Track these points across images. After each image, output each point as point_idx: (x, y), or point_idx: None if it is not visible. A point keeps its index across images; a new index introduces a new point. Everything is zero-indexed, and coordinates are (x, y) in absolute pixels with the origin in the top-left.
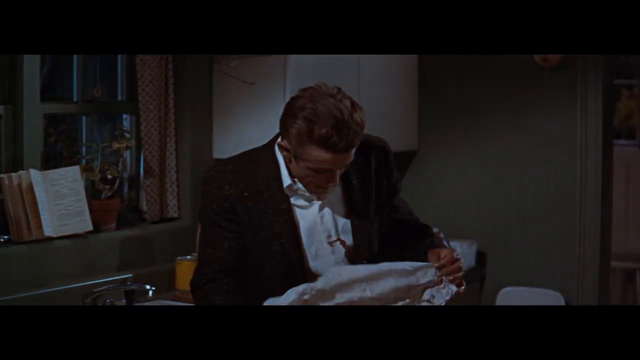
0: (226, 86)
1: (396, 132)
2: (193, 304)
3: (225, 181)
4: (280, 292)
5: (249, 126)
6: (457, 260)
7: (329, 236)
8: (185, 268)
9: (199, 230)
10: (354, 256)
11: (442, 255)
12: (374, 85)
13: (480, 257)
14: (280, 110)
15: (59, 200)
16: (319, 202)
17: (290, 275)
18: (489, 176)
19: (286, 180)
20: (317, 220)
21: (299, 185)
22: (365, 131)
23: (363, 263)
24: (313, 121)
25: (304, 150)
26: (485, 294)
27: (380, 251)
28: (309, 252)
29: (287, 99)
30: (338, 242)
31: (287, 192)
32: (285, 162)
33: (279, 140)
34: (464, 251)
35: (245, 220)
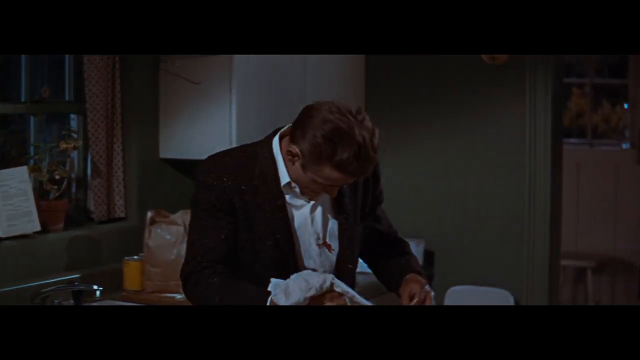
0: (172, 86)
1: None
2: (142, 304)
3: (224, 173)
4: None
5: (195, 126)
6: (427, 299)
7: (318, 238)
8: (133, 268)
9: (192, 217)
10: (339, 260)
11: (414, 294)
12: (320, 85)
13: (428, 256)
14: (226, 110)
15: (7, 201)
16: (312, 203)
17: (282, 271)
18: (436, 174)
19: (284, 178)
20: (307, 221)
21: (296, 185)
22: None
23: (348, 267)
24: (335, 143)
25: (318, 167)
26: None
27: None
28: (300, 250)
29: (234, 99)
30: (324, 246)
31: (283, 189)
32: (285, 162)
33: (289, 145)
34: (413, 250)
35: (241, 214)
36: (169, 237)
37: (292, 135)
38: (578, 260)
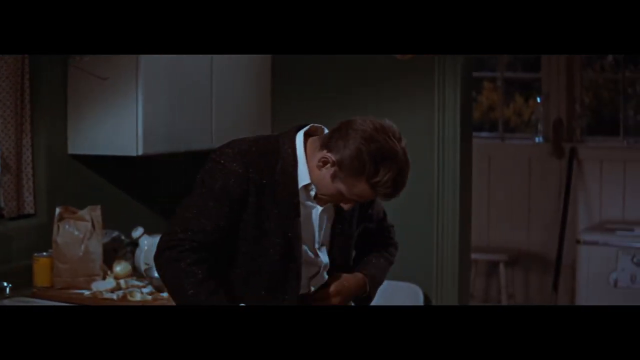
0: (81, 81)
1: (249, 130)
2: (58, 303)
3: (249, 162)
4: (271, 286)
5: (103, 122)
6: (317, 297)
7: (316, 242)
8: (42, 265)
9: (194, 194)
10: (333, 266)
11: (323, 290)
12: (226, 83)
13: None
14: (133, 106)
15: None
16: (321, 209)
17: (284, 269)
18: None
19: (304, 179)
20: (312, 224)
21: (313, 187)
22: (219, 128)
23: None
24: (379, 163)
25: (353, 181)
26: None
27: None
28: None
29: (140, 95)
30: (321, 250)
31: (300, 190)
32: (309, 163)
33: (322, 151)
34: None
35: (253, 209)
36: (77, 233)
37: (329, 143)
38: (490, 254)
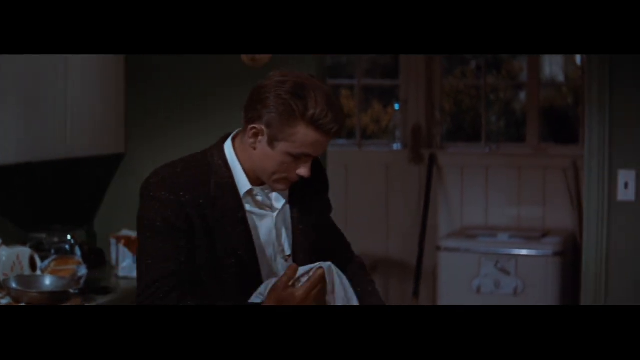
0: None
1: (102, 135)
2: None
3: (179, 186)
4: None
5: None
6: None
7: (283, 250)
8: None
9: (142, 242)
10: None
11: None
12: (81, 86)
13: None
14: None
15: None
16: (276, 213)
17: (247, 288)
18: None
19: (243, 186)
20: (272, 233)
21: (258, 191)
22: (72, 134)
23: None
24: (303, 96)
25: (291, 129)
26: None
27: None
28: (264, 266)
29: None
30: (291, 258)
31: (244, 199)
32: (244, 165)
33: (250, 126)
34: None
35: (201, 232)
36: None
37: (249, 117)
38: None
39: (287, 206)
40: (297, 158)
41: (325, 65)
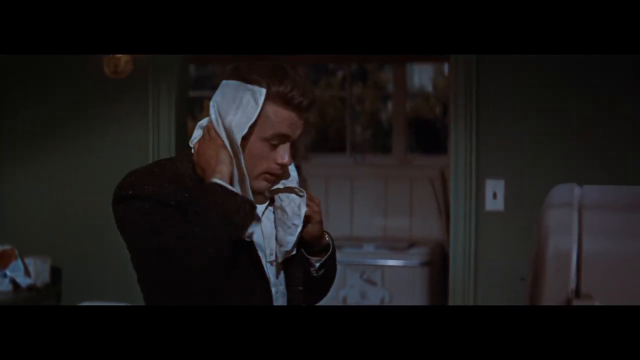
0: None
1: None
2: None
3: (160, 181)
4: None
5: None
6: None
7: (271, 254)
8: None
9: (131, 239)
10: (288, 281)
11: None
12: None
13: (55, 273)
14: None
15: None
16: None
17: (249, 294)
18: (60, 190)
19: None
20: (258, 236)
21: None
22: None
23: (298, 289)
24: (265, 76)
25: (260, 112)
26: None
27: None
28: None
29: None
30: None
31: None
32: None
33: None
34: (37, 268)
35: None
36: None
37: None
38: None
39: (270, 213)
40: (273, 146)
41: (189, 76)
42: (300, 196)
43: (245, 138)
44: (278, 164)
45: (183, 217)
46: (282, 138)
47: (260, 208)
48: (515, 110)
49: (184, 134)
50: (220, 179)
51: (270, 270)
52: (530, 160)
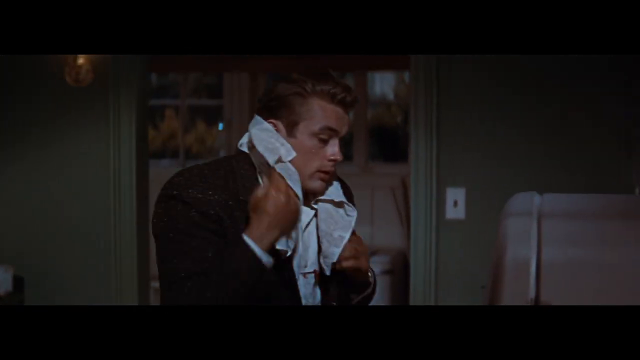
0: None
1: None
2: None
3: (207, 186)
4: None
5: None
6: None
7: (305, 266)
8: None
9: (164, 242)
10: (323, 294)
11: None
12: None
13: (18, 282)
14: None
15: None
16: (311, 211)
17: (282, 298)
18: (22, 199)
19: None
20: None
21: None
22: None
23: (331, 304)
24: (309, 77)
25: (306, 107)
26: None
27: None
28: (295, 277)
29: None
30: (313, 275)
31: None
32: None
33: (268, 121)
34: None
35: (232, 233)
36: None
37: (268, 114)
38: None
39: (314, 222)
40: (323, 140)
41: (150, 85)
42: (349, 208)
43: (295, 136)
44: (329, 160)
45: (216, 233)
46: (331, 132)
47: (304, 220)
48: (476, 118)
49: (144, 142)
50: (260, 245)
51: (302, 282)
52: (491, 169)
